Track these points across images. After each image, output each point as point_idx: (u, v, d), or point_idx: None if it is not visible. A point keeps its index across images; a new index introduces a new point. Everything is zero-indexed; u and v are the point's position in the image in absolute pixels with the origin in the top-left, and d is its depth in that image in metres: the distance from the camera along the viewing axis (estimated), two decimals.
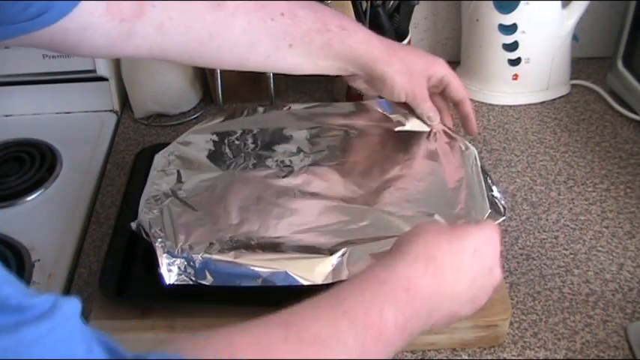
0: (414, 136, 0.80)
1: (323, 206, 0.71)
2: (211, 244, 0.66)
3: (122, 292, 0.69)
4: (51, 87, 0.99)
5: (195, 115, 1.02)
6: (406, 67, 0.74)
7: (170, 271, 0.64)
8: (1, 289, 0.35)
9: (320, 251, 0.65)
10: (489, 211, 0.69)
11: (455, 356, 0.69)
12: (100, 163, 0.93)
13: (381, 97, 0.82)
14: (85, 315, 0.69)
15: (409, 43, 0.95)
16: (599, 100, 1.03)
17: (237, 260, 0.64)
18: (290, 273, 0.64)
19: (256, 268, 0.64)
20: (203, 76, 1.03)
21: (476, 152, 0.77)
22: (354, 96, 0.95)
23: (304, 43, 0.70)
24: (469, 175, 0.74)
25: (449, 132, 0.80)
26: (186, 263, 0.64)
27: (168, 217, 0.69)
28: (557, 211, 0.84)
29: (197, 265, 0.64)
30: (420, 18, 1.06)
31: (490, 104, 1.03)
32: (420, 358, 0.69)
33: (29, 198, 0.87)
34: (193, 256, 0.64)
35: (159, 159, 0.77)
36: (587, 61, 1.10)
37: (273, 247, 0.66)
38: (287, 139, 0.80)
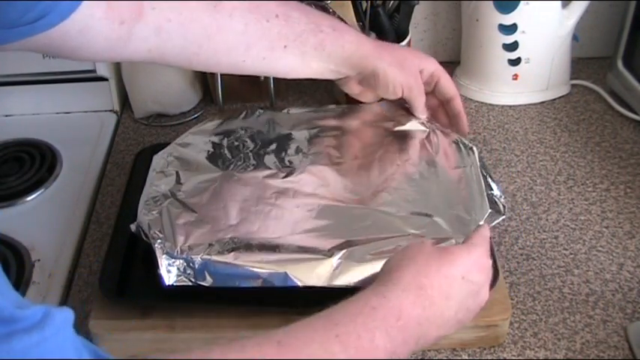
0: (413, 136, 0.80)
1: (322, 207, 0.71)
2: (211, 245, 0.66)
3: (122, 292, 0.69)
4: (51, 87, 0.99)
5: (195, 115, 1.02)
6: (397, 60, 0.75)
7: (169, 272, 0.64)
8: None
9: (319, 252, 0.65)
10: (489, 211, 0.69)
11: (455, 356, 0.69)
12: (100, 163, 0.93)
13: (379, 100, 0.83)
14: (85, 315, 0.70)
15: (409, 43, 0.95)
16: (599, 100, 1.03)
17: (237, 261, 0.64)
18: (289, 274, 0.64)
19: (256, 269, 0.64)
20: (203, 76, 1.03)
21: (476, 151, 0.77)
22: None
23: (298, 44, 0.70)
24: (469, 175, 0.74)
25: (449, 132, 0.80)
26: (185, 264, 0.64)
27: (167, 218, 0.69)
28: (557, 211, 0.84)
29: (196, 266, 0.64)
30: (420, 18, 1.06)
31: (490, 104, 1.03)
32: (420, 358, 0.69)
33: (29, 198, 0.87)
34: (193, 257, 0.64)
35: (157, 160, 0.77)
36: (587, 61, 1.10)
37: (272, 247, 0.66)
38: (286, 140, 0.80)
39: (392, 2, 0.93)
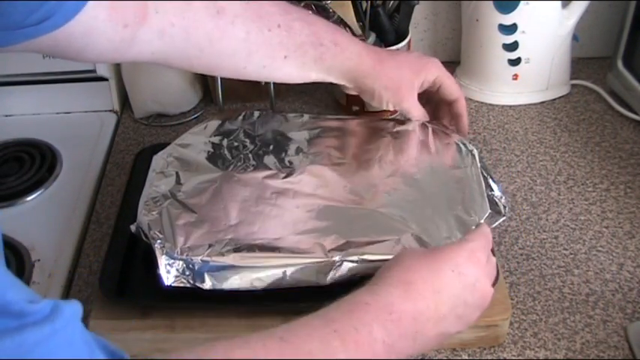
0: (413, 136, 0.80)
1: (322, 207, 0.71)
2: (210, 245, 0.66)
3: (122, 292, 0.69)
4: (51, 87, 0.99)
5: (195, 115, 1.02)
6: (393, 82, 0.77)
7: (169, 273, 0.64)
8: (5, 294, 0.35)
9: (319, 252, 0.65)
10: (489, 211, 0.69)
11: (455, 356, 0.69)
12: (100, 163, 0.93)
13: None
14: (85, 315, 0.70)
15: (409, 43, 0.95)
16: (599, 100, 1.03)
17: (237, 263, 0.64)
18: (289, 274, 0.64)
19: (255, 270, 0.64)
20: (203, 76, 1.03)
21: (476, 152, 0.77)
22: (354, 96, 0.95)
23: (298, 56, 0.72)
24: (469, 175, 0.74)
25: (449, 132, 0.80)
26: (185, 265, 0.64)
27: (167, 218, 0.69)
28: (557, 211, 0.84)
29: (196, 268, 0.64)
30: (420, 18, 1.06)
31: (490, 104, 1.03)
32: (420, 358, 0.69)
33: (29, 198, 0.87)
34: (193, 258, 0.64)
35: (157, 160, 0.77)
36: (587, 61, 1.10)
37: (272, 248, 0.66)
38: (286, 140, 0.80)
39: (392, 2, 0.93)
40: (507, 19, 0.95)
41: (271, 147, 0.79)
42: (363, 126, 0.83)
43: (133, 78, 0.99)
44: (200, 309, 0.68)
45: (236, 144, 0.80)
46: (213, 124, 0.83)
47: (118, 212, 0.79)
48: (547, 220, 0.83)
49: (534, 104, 1.02)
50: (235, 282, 0.65)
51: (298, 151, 0.78)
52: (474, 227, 0.67)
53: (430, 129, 0.81)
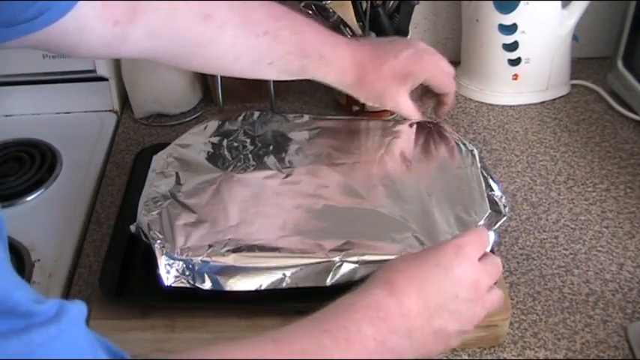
0: (413, 136, 0.80)
1: (322, 207, 0.71)
2: (210, 246, 0.66)
3: (122, 292, 0.69)
4: (51, 87, 0.99)
5: (195, 115, 1.02)
6: (376, 94, 0.78)
7: (169, 273, 0.64)
8: (12, 294, 0.36)
9: (319, 253, 0.65)
10: (489, 211, 0.69)
11: (455, 356, 0.69)
12: (100, 163, 0.93)
13: None
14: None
15: None
16: (599, 100, 1.03)
17: (237, 263, 0.64)
18: (289, 275, 0.64)
19: (255, 270, 0.64)
20: (203, 76, 1.03)
21: (477, 152, 0.77)
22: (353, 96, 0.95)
23: (283, 64, 0.73)
24: (469, 175, 0.74)
25: (449, 132, 0.80)
26: (185, 266, 0.64)
27: (166, 219, 0.69)
28: (557, 211, 0.84)
29: (196, 268, 0.64)
30: (420, 18, 1.06)
31: (490, 104, 1.03)
32: (419, 358, 0.68)
33: (29, 198, 0.87)
34: (192, 258, 0.64)
35: (157, 161, 0.77)
36: (587, 61, 1.10)
37: (272, 249, 0.66)
38: (286, 140, 0.80)
39: (392, 2, 0.93)
40: (507, 19, 0.95)
41: (271, 147, 0.79)
42: (363, 126, 0.83)
43: (133, 78, 0.99)
44: (200, 309, 0.68)
45: (236, 144, 0.80)
46: (213, 124, 0.83)
47: (118, 212, 0.79)
48: (547, 220, 0.83)
49: (534, 104, 1.03)
50: (235, 282, 0.64)
51: (298, 151, 0.78)
52: (472, 228, 0.67)
53: (431, 129, 0.81)
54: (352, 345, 0.50)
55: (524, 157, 0.93)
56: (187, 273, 0.64)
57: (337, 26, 0.92)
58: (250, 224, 0.68)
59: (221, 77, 0.97)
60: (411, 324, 0.53)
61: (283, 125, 0.83)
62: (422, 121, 0.81)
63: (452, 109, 0.84)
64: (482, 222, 0.68)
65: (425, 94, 0.83)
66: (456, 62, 1.07)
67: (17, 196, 0.87)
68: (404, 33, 0.94)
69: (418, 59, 0.78)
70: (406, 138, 0.80)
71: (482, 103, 1.03)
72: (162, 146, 0.80)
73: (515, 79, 1.00)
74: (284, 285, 0.64)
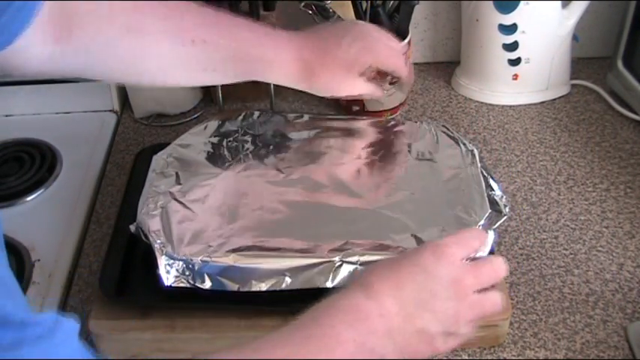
0: (413, 136, 0.80)
1: (323, 207, 0.71)
2: (210, 246, 0.66)
3: (122, 292, 0.69)
4: (51, 87, 0.99)
5: (196, 115, 1.02)
6: (327, 86, 0.76)
7: (169, 273, 0.64)
8: (5, 304, 0.35)
9: (319, 253, 0.65)
10: (489, 211, 0.69)
11: (455, 356, 0.69)
12: (100, 163, 0.93)
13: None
14: (85, 315, 0.70)
15: (409, 43, 0.95)
16: (599, 100, 1.03)
17: (237, 263, 0.64)
18: (289, 275, 0.64)
19: (255, 271, 0.64)
20: None
21: (477, 152, 0.77)
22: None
23: (220, 70, 0.72)
24: (469, 175, 0.74)
25: (449, 132, 0.80)
26: (184, 266, 0.64)
27: (166, 219, 0.69)
28: (557, 211, 0.84)
29: (196, 268, 0.64)
30: (420, 18, 1.06)
31: (490, 104, 1.03)
32: (419, 358, 0.68)
33: (29, 198, 0.87)
34: (192, 258, 0.64)
35: (157, 160, 0.77)
36: (587, 61, 1.10)
37: (272, 248, 0.66)
38: (286, 140, 0.80)
39: (392, 2, 0.93)
40: (507, 19, 0.95)
41: (271, 147, 0.79)
42: (362, 126, 0.83)
43: None
44: (200, 309, 0.68)
45: (236, 144, 0.80)
46: (213, 124, 0.83)
47: (118, 212, 0.79)
48: (547, 220, 0.83)
49: (534, 104, 1.02)
50: (235, 282, 0.64)
51: (298, 151, 0.78)
52: (472, 228, 0.67)
53: (431, 129, 0.81)
54: (333, 351, 0.50)
55: (524, 157, 0.93)
56: (187, 273, 0.64)
57: None
58: (250, 224, 0.68)
59: None
60: (390, 324, 0.53)
61: (283, 125, 0.83)
62: (422, 122, 0.82)
63: (410, 84, 0.84)
64: (482, 222, 0.68)
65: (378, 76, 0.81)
66: (455, 62, 1.08)
67: (17, 196, 0.87)
68: (404, 33, 0.94)
69: (363, 44, 0.76)
70: (406, 138, 0.80)
71: (482, 103, 1.03)
72: (162, 146, 0.80)
73: (515, 79, 1.00)
74: (284, 285, 0.64)
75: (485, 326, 0.68)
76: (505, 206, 0.71)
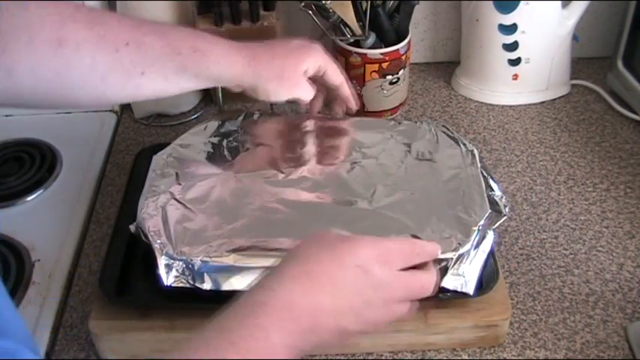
0: (413, 136, 0.80)
1: (322, 207, 0.71)
2: (210, 246, 0.66)
3: (122, 292, 0.69)
4: None
5: (196, 115, 1.02)
6: (275, 73, 0.75)
7: (168, 273, 0.64)
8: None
9: None
10: (489, 211, 0.69)
11: (455, 356, 0.69)
12: (100, 163, 0.93)
13: None
14: (85, 315, 0.70)
15: (409, 43, 0.95)
16: (599, 100, 1.03)
17: (236, 263, 0.64)
18: None
19: (255, 271, 0.64)
20: None
21: (477, 152, 0.77)
22: None
23: (156, 69, 0.69)
24: (469, 176, 0.74)
25: (449, 132, 0.80)
26: (184, 265, 0.64)
27: (166, 219, 0.69)
28: (557, 211, 0.84)
29: (195, 268, 0.64)
30: (420, 18, 1.06)
31: (490, 104, 1.03)
32: (420, 358, 0.69)
33: (29, 198, 0.87)
34: (192, 258, 0.64)
35: (157, 160, 0.77)
36: (587, 61, 1.10)
37: (272, 248, 0.66)
38: (286, 141, 0.80)
39: (392, 2, 0.93)
40: (507, 19, 0.95)
41: (271, 147, 0.79)
42: (363, 126, 0.83)
43: None
44: (200, 309, 0.67)
45: (236, 144, 0.80)
46: (213, 124, 0.83)
47: (118, 212, 0.79)
48: (547, 220, 0.83)
49: (534, 104, 1.03)
50: (235, 282, 0.64)
51: (298, 151, 0.78)
52: (472, 228, 0.67)
53: (431, 129, 0.81)
54: (260, 355, 0.49)
55: (524, 157, 0.93)
56: (187, 273, 0.64)
57: (337, 26, 0.92)
58: (250, 224, 0.68)
59: None
60: (318, 321, 0.53)
61: (283, 125, 0.83)
62: (422, 121, 0.82)
63: (355, 101, 0.83)
64: (482, 222, 0.68)
65: (327, 96, 0.83)
66: (455, 62, 1.08)
67: (17, 196, 0.87)
68: (404, 33, 0.94)
69: (308, 48, 0.77)
70: (406, 138, 0.80)
71: (482, 103, 1.03)
72: (162, 146, 0.80)
73: (515, 79, 1.00)
74: None
75: (485, 326, 0.68)
76: (505, 206, 0.71)
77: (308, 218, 0.69)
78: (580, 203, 0.85)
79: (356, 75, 0.94)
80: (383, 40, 0.94)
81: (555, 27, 0.97)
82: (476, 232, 0.67)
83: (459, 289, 0.65)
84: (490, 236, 0.68)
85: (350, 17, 0.91)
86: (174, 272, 0.65)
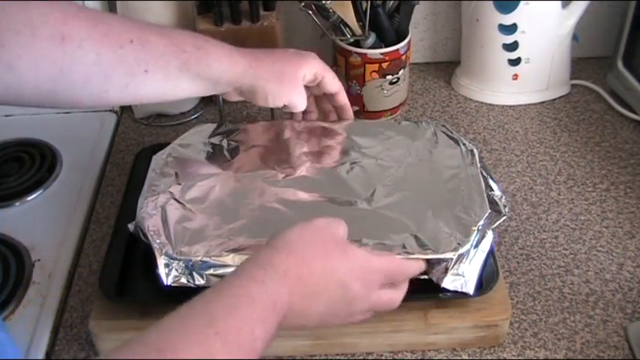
0: (413, 136, 0.80)
1: (322, 207, 0.71)
2: (210, 245, 0.66)
3: (122, 292, 0.69)
4: None
5: (196, 115, 1.02)
6: (275, 75, 0.75)
7: (168, 273, 0.64)
8: None
9: None
10: (489, 211, 0.69)
11: (455, 356, 0.69)
12: (100, 163, 0.93)
13: None
14: (85, 315, 0.70)
15: (409, 43, 0.95)
16: (599, 100, 1.03)
17: (236, 263, 0.64)
18: None
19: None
20: None
21: (476, 152, 0.77)
22: (354, 97, 0.95)
23: (160, 67, 0.69)
24: (469, 175, 0.74)
25: (449, 132, 0.80)
26: (184, 265, 0.64)
27: (166, 219, 0.69)
28: (557, 211, 0.84)
29: (195, 268, 0.64)
30: (420, 18, 1.06)
31: (490, 104, 1.03)
32: (420, 358, 0.69)
33: (29, 198, 0.87)
34: (192, 258, 0.64)
35: (157, 160, 0.77)
36: (587, 61, 1.10)
37: None
38: (286, 141, 0.80)
39: (392, 2, 0.93)
40: (507, 19, 0.95)
41: (271, 147, 0.79)
42: (362, 126, 0.83)
43: None
44: None
45: (236, 144, 0.80)
46: (213, 124, 0.83)
47: (118, 212, 0.79)
48: (547, 220, 0.83)
49: (534, 104, 1.03)
50: None
51: (298, 151, 0.78)
52: (472, 228, 0.67)
53: (431, 129, 0.81)
54: (241, 348, 0.49)
55: (524, 157, 0.93)
56: (187, 273, 0.64)
57: (337, 26, 0.92)
58: (250, 224, 0.68)
59: None
60: (288, 319, 0.53)
61: (283, 125, 0.83)
62: (421, 121, 0.82)
63: (350, 112, 0.83)
64: (481, 222, 0.68)
65: (319, 103, 0.83)
66: (455, 62, 1.08)
67: (17, 196, 0.87)
68: (404, 33, 0.94)
69: (305, 55, 0.78)
70: (406, 138, 0.80)
71: (482, 103, 1.03)
72: (162, 146, 0.80)
73: (515, 79, 1.00)
74: None
75: (485, 326, 0.68)
76: (505, 206, 0.71)
77: (308, 218, 0.69)
78: (580, 203, 0.85)
79: (356, 75, 0.94)
80: (383, 40, 0.94)
81: (555, 27, 0.97)
82: (475, 232, 0.67)
83: (459, 289, 0.65)
84: (490, 236, 0.68)
85: (350, 17, 0.91)
86: (173, 272, 0.65)
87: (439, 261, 0.65)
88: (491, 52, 0.99)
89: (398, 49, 0.93)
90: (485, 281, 0.68)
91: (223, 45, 0.73)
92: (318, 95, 0.82)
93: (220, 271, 0.64)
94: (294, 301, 0.53)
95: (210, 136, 0.81)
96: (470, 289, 0.65)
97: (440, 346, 0.69)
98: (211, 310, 0.50)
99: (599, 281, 0.76)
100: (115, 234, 0.75)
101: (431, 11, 1.07)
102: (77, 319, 0.73)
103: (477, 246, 0.66)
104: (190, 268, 0.64)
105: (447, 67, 1.10)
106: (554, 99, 1.03)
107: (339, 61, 0.95)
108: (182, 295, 0.64)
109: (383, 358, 0.69)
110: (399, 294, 0.62)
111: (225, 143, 0.80)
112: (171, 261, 0.65)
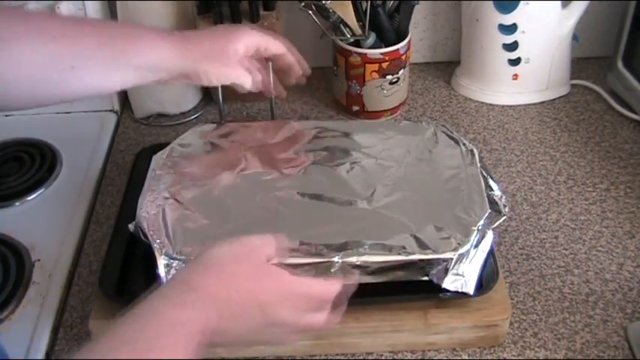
0: (413, 136, 0.80)
1: (324, 207, 0.71)
2: (209, 245, 0.65)
3: (122, 292, 0.69)
4: None
5: (196, 115, 1.02)
6: (211, 54, 0.73)
7: (168, 273, 0.64)
8: None
9: (321, 253, 0.65)
10: (489, 211, 0.69)
11: (455, 356, 0.69)
12: (100, 163, 0.93)
13: None
14: (85, 315, 0.70)
15: (409, 43, 0.95)
16: (599, 100, 1.03)
17: None
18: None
19: None
20: None
21: (476, 152, 0.77)
22: (354, 97, 0.95)
23: (96, 58, 0.68)
24: (469, 175, 0.74)
25: (449, 132, 0.80)
26: (183, 265, 0.64)
27: (166, 218, 0.69)
28: (557, 211, 0.84)
29: None
30: (420, 18, 1.06)
31: (490, 104, 1.03)
32: (420, 358, 0.69)
33: (29, 198, 0.87)
34: (192, 258, 0.64)
35: (157, 160, 0.77)
36: (587, 61, 1.10)
37: None
38: (287, 141, 0.80)
39: (392, 2, 0.93)
40: (507, 19, 0.95)
41: (271, 147, 0.79)
42: (363, 126, 0.83)
43: None
44: None
45: (236, 144, 0.80)
46: (213, 124, 0.83)
47: (118, 212, 0.79)
48: (547, 220, 0.83)
49: (534, 104, 1.03)
50: None
51: (298, 151, 0.78)
52: (472, 228, 0.67)
53: (431, 129, 0.81)
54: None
55: (524, 157, 0.93)
56: None
57: (337, 26, 0.92)
58: (250, 224, 0.68)
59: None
60: (208, 340, 0.52)
61: (283, 125, 0.83)
62: (421, 121, 0.82)
63: (304, 69, 0.81)
64: (481, 222, 0.68)
65: (276, 80, 0.81)
66: (455, 62, 1.08)
67: (17, 196, 0.87)
68: (404, 33, 0.94)
69: (235, 29, 0.77)
70: (406, 138, 0.80)
71: (482, 103, 1.03)
72: (163, 146, 0.80)
73: (515, 79, 1.00)
74: None
75: (485, 326, 0.68)
76: (505, 206, 0.71)
77: (307, 218, 0.69)
78: (580, 203, 0.85)
79: (356, 75, 0.94)
80: (383, 40, 0.94)
81: (555, 27, 0.97)
82: (475, 232, 0.67)
83: (459, 289, 0.65)
84: (490, 236, 0.68)
85: (350, 17, 0.91)
86: (173, 272, 0.65)
87: (439, 261, 0.65)
88: (491, 52, 0.99)
89: (398, 49, 0.93)
90: (485, 281, 0.68)
91: (150, 32, 0.72)
92: (277, 71, 0.80)
93: None
94: (220, 322, 0.52)
95: (210, 136, 0.81)
96: (470, 289, 0.65)
97: (440, 346, 0.69)
98: (135, 335, 0.49)
99: (599, 281, 0.76)
100: (115, 234, 0.75)
101: (431, 11, 1.07)
102: (77, 319, 0.73)
103: (477, 246, 0.67)
104: None
105: (447, 67, 1.10)
106: (554, 99, 1.03)
107: (339, 61, 0.95)
108: None
109: (383, 358, 0.69)
110: (321, 317, 0.59)
111: (224, 143, 0.80)
112: (171, 261, 0.65)
